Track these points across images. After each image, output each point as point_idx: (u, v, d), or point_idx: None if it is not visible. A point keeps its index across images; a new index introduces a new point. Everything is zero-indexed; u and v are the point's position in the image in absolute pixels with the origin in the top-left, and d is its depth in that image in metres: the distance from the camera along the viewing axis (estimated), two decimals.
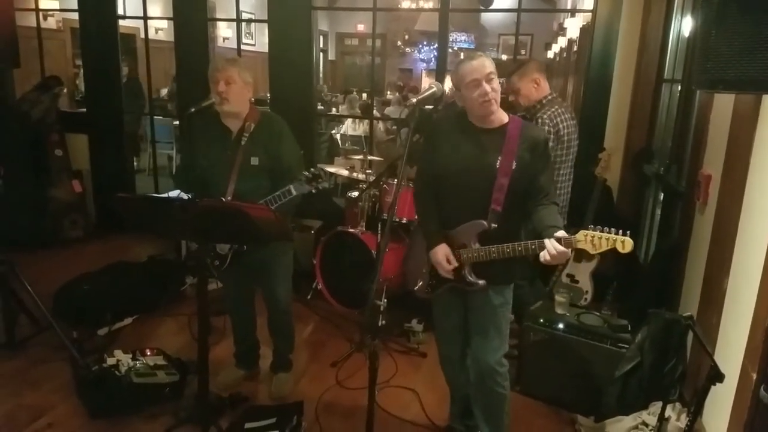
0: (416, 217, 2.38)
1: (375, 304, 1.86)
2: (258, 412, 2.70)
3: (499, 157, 2.05)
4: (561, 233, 1.89)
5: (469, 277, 2.14)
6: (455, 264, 2.13)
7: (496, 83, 2.02)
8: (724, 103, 2.52)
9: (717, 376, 1.74)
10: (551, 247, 1.87)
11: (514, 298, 2.35)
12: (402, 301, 3.61)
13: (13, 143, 4.69)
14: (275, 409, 2.75)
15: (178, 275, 4.03)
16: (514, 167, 2.04)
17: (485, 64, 2.02)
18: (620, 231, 1.85)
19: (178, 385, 2.81)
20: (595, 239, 1.85)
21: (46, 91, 4.88)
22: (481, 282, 2.13)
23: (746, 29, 1.18)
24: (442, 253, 2.14)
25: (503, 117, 2.12)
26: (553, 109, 3.01)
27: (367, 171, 4.01)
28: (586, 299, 3.56)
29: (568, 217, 3.15)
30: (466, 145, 2.11)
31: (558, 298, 2.99)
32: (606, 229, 1.86)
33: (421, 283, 2.31)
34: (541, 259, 1.91)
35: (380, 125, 7.45)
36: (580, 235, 1.87)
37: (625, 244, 1.83)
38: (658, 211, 3.81)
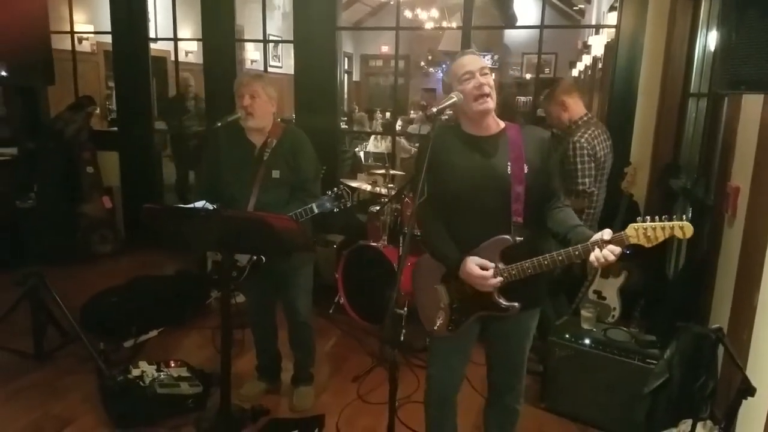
0: (425, 248, 2.11)
1: (395, 313, 1.80)
2: (279, 425, 2.70)
3: (508, 163, 1.89)
4: (608, 232, 1.71)
5: (502, 302, 1.91)
6: (492, 268, 1.87)
7: (491, 80, 1.90)
8: (751, 115, 2.47)
9: (748, 390, 1.68)
10: (599, 252, 1.70)
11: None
12: None
13: (46, 160, 4.86)
14: (296, 422, 2.75)
15: (203, 289, 4.08)
16: (526, 171, 1.89)
17: (478, 59, 1.93)
18: (674, 216, 1.65)
19: (201, 396, 2.83)
20: (649, 230, 1.65)
21: (79, 110, 5.04)
22: (517, 304, 1.90)
23: (766, 30, 1.16)
24: (473, 264, 1.87)
25: (500, 122, 1.99)
26: (590, 131, 3.04)
27: (389, 185, 4.02)
28: (613, 316, 3.49)
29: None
30: (469, 158, 1.94)
31: (584, 313, 2.94)
32: (656, 217, 1.67)
33: (440, 322, 2.02)
34: (593, 261, 1.72)
35: (403, 141, 7.52)
36: (630, 229, 1.68)
37: (684, 229, 1.62)
38: None
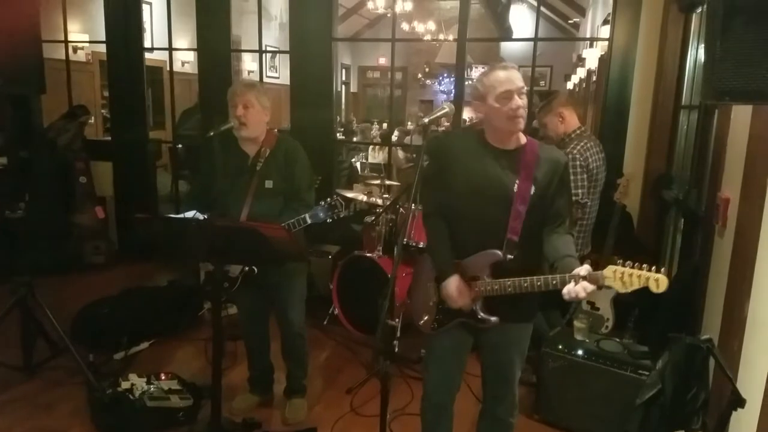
0: (426, 244, 2.20)
1: (387, 324, 1.81)
2: None
3: (517, 181, 1.91)
4: (586, 268, 1.74)
5: (481, 313, 1.97)
6: (467, 299, 1.96)
7: (526, 100, 1.92)
8: (740, 127, 2.49)
9: (738, 401, 1.67)
10: (573, 287, 1.73)
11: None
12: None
13: (39, 170, 4.83)
14: None
15: (196, 300, 4.05)
16: (532, 192, 1.90)
17: (518, 77, 1.91)
18: (653, 268, 1.66)
19: (191, 409, 2.80)
20: (625, 276, 1.67)
21: (72, 119, 5.03)
22: (493, 319, 1.96)
23: (751, 40, 1.17)
24: (454, 285, 1.95)
25: (522, 138, 2.00)
26: (582, 143, 3.10)
27: (385, 196, 4.02)
28: (607, 327, 3.48)
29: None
30: (480, 167, 1.96)
31: (577, 323, 2.94)
32: (636, 264, 1.69)
33: (426, 318, 2.11)
34: (565, 294, 1.76)
35: (400, 152, 7.55)
36: (608, 271, 1.70)
37: (659, 283, 1.63)
38: (679, 237, 3.74)
